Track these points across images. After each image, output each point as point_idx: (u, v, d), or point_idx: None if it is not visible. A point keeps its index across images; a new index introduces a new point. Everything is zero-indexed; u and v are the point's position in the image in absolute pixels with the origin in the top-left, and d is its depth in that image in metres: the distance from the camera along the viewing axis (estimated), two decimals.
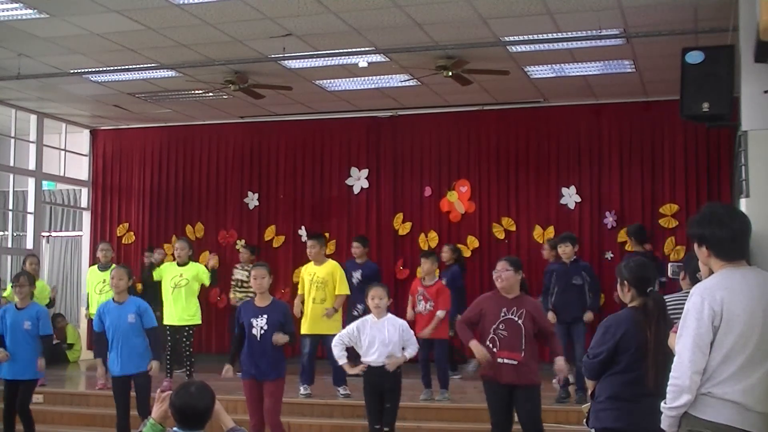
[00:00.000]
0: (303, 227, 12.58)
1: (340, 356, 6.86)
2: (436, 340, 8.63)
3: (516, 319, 6.10)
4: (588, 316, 8.49)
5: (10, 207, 13.15)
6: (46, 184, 13.58)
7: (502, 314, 6.13)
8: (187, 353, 9.65)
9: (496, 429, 6.27)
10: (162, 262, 10.78)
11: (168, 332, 9.58)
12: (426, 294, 8.68)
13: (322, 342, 8.83)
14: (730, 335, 3.52)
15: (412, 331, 6.96)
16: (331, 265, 9.05)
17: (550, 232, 11.40)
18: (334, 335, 8.33)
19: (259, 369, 6.84)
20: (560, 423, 7.05)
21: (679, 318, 3.69)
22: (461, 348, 10.27)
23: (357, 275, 10.08)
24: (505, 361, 6.07)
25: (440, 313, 8.61)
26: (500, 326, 6.11)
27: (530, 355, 6.12)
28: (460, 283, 10.26)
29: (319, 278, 8.79)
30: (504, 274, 6.19)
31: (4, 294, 9.90)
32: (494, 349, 6.11)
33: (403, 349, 6.80)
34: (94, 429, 8.69)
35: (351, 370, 6.88)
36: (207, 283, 9.81)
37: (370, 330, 6.76)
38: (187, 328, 9.62)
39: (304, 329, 8.79)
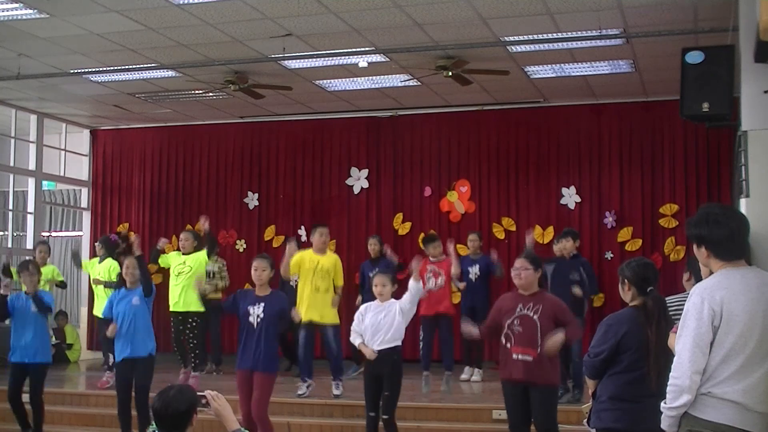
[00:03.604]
0: (303, 227, 12.59)
1: (354, 338, 6.92)
2: (441, 316, 8.63)
3: (531, 314, 5.95)
4: (576, 290, 8.41)
5: (10, 207, 13.16)
6: (46, 184, 13.59)
7: (518, 310, 6.00)
8: (192, 344, 9.67)
9: (512, 428, 6.16)
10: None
11: (172, 321, 9.73)
12: (436, 269, 8.72)
13: (320, 333, 8.82)
14: (730, 335, 3.52)
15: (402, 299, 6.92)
16: (335, 257, 9.05)
17: (550, 231, 11.39)
18: (332, 325, 8.61)
19: (252, 358, 6.82)
20: (560, 423, 7.02)
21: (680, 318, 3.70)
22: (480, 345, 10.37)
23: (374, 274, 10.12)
24: (519, 357, 5.92)
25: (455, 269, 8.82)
26: (515, 322, 5.98)
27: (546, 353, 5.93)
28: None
29: (324, 268, 8.73)
30: (523, 273, 6.07)
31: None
32: (508, 345, 5.99)
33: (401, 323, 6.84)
34: (94, 429, 8.68)
35: (366, 352, 6.83)
36: (206, 261, 9.86)
37: (372, 314, 6.85)
38: (191, 318, 9.65)
39: (303, 317, 8.59)
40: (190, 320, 9.71)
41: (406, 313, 6.84)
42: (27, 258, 9.58)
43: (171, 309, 9.82)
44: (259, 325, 6.82)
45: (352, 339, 6.96)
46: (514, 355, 5.98)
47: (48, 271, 10.15)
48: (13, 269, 9.76)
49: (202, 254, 9.80)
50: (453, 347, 8.89)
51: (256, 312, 6.83)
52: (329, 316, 8.70)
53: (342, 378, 8.81)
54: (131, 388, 7.51)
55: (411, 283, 6.86)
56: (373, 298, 7.18)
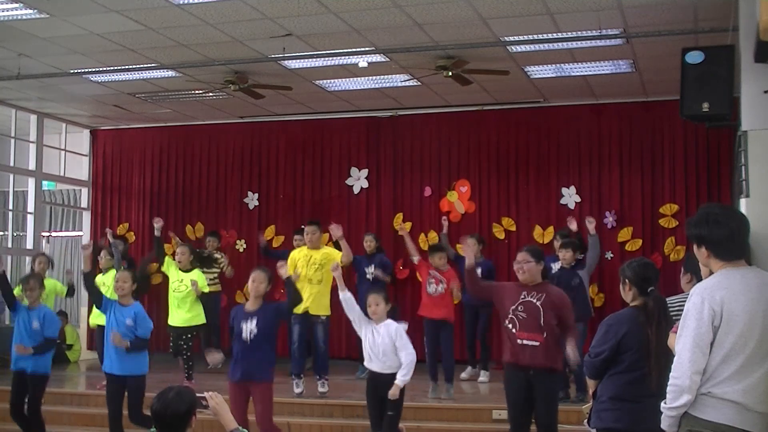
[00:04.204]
0: (303, 227, 12.57)
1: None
2: (442, 322, 8.64)
3: (535, 301, 5.98)
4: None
5: (10, 207, 13.16)
6: (46, 184, 13.59)
7: (522, 297, 6.03)
8: (186, 356, 9.63)
9: (513, 424, 6.10)
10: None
11: (171, 334, 9.67)
12: (438, 275, 8.71)
13: (312, 329, 8.86)
14: (730, 335, 3.52)
15: (405, 336, 6.81)
16: (327, 249, 9.21)
17: (550, 232, 11.39)
18: (324, 317, 8.75)
19: (247, 370, 6.78)
20: (560, 423, 7.04)
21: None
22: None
23: (370, 269, 10.34)
24: (525, 342, 5.94)
25: (455, 288, 8.88)
26: (519, 308, 6.00)
27: (552, 339, 5.97)
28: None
29: (316, 261, 8.84)
30: (526, 266, 6.08)
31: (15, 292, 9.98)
32: (513, 330, 6.00)
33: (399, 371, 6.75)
34: (93, 429, 8.69)
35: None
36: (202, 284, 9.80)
37: (369, 334, 6.81)
38: (187, 333, 9.61)
39: (296, 309, 8.64)
40: (187, 335, 9.62)
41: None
42: (29, 273, 9.47)
43: (169, 323, 9.68)
44: (252, 341, 6.78)
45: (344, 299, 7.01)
46: (519, 341, 5.99)
47: (50, 284, 10.00)
48: (17, 289, 9.70)
49: (199, 274, 9.77)
50: (453, 359, 8.88)
51: (249, 327, 6.78)
52: (321, 308, 8.81)
53: (327, 377, 8.87)
54: (122, 404, 7.41)
55: (403, 357, 6.76)
56: (363, 288, 7.19)
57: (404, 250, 12.12)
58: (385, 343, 6.72)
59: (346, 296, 6.97)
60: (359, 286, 10.10)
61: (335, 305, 9.12)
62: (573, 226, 10.02)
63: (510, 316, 6.05)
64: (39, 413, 7.91)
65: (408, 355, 6.71)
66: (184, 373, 9.70)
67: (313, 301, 8.74)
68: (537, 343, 5.94)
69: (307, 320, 8.77)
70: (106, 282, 10.02)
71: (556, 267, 9.86)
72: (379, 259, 10.55)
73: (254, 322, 6.80)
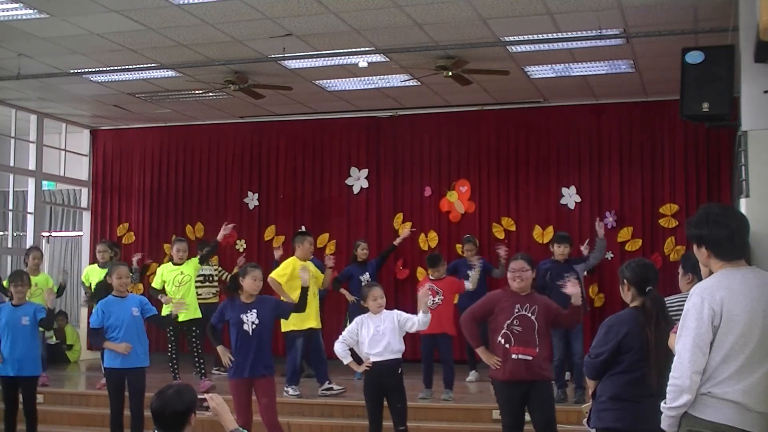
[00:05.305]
0: (303, 227, 12.58)
1: (344, 356, 6.84)
2: (440, 335, 8.61)
3: (529, 315, 6.03)
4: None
5: (10, 207, 13.15)
6: (46, 184, 13.58)
7: (516, 310, 6.05)
8: (198, 351, 9.50)
9: (507, 430, 6.14)
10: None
11: (171, 332, 9.56)
12: (435, 287, 8.64)
13: (314, 339, 8.90)
14: (730, 335, 3.52)
15: (406, 313, 6.86)
16: (313, 264, 9.21)
17: (550, 232, 11.39)
18: (318, 330, 8.82)
19: (251, 366, 6.78)
20: (560, 423, 7.05)
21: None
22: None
23: (365, 277, 10.15)
24: (520, 356, 5.99)
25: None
26: (514, 322, 6.02)
27: (544, 352, 6.07)
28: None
29: (313, 273, 8.85)
30: (524, 275, 6.11)
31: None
32: (507, 345, 6.02)
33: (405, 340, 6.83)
34: (93, 429, 8.68)
35: (358, 369, 6.86)
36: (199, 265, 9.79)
37: (370, 325, 6.76)
38: (194, 325, 9.53)
39: (297, 325, 8.66)
40: (195, 327, 9.50)
41: (403, 329, 6.78)
42: (21, 270, 9.40)
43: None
44: (254, 332, 6.79)
45: (340, 356, 6.85)
46: (514, 355, 6.02)
47: (41, 280, 9.90)
48: (5, 282, 9.63)
49: (196, 260, 9.72)
50: (453, 366, 8.81)
51: (250, 319, 6.79)
52: (315, 321, 8.88)
53: (297, 385, 8.90)
54: (123, 399, 7.41)
55: (420, 315, 6.73)
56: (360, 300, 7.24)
57: (404, 251, 12.22)
58: (387, 327, 6.71)
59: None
60: (355, 294, 10.04)
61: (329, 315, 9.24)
62: (601, 232, 9.86)
63: (504, 331, 6.06)
64: (35, 410, 7.89)
65: (417, 317, 6.74)
66: (197, 371, 9.50)
67: (309, 316, 8.66)
68: (530, 358, 6.01)
69: (308, 335, 8.80)
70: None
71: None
72: (372, 267, 10.45)
73: (254, 313, 6.81)
